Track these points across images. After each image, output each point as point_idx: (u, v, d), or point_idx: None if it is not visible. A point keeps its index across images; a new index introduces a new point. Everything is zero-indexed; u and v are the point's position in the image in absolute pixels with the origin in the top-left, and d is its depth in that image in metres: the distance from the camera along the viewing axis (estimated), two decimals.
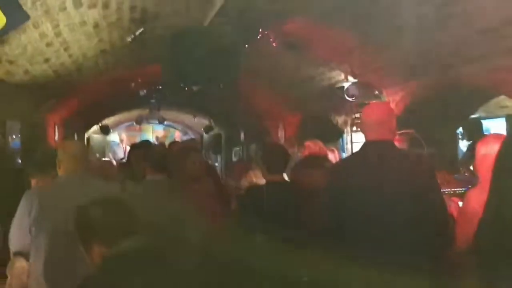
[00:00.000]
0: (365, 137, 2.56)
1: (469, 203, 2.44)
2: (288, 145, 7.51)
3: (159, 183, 3.39)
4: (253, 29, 4.61)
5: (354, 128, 6.28)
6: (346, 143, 6.59)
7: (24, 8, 3.32)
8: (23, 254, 2.72)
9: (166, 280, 1.50)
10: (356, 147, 6.24)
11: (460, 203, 3.35)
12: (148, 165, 3.52)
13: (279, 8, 4.61)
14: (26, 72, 4.63)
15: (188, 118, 14.03)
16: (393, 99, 5.45)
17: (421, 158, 2.78)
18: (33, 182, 3.54)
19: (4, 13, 3.21)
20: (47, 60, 4.74)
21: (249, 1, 4.46)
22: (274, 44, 5.19)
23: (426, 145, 4.86)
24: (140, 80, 7.50)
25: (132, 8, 4.37)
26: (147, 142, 6.36)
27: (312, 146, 4.86)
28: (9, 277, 2.47)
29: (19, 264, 2.54)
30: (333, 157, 6.42)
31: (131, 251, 1.47)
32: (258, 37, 4.81)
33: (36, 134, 6.13)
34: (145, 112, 12.85)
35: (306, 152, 4.97)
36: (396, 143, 2.72)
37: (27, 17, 3.45)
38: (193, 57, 5.37)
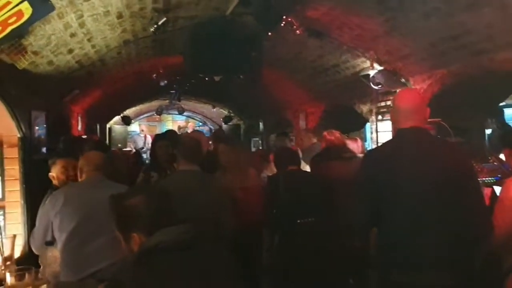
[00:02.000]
0: (399, 124, 2.46)
1: (508, 191, 2.38)
2: (309, 136, 7.44)
3: (193, 174, 3.40)
4: (276, 16, 4.51)
5: (380, 117, 6.15)
6: (371, 132, 6.47)
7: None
8: (54, 244, 2.78)
9: (201, 269, 1.47)
10: (382, 136, 6.14)
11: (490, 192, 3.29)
12: (181, 156, 3.51)
13: None
14: (50, 62, 4.64)
15: (207, 109, 14.04)
16: (421, 87, 5.31)
17: (458, 146, 2.71)
18: (54, 176, 3.60)
19: (30, 3, 3.21)
20: (70, 51, 4.75)
21: None
22: (297, 31, 5.10)
23: (454, 133, 4.75)
24: (161, 71, 7.49)
25: None
26: (172, 132, 6.36)
27: (329, 136, 4.79)
28: (41, 266, 2.50)
29: (51, 253, 2.59)
30: (355, 146, 6.32)
31: (169, 241, 1.44)
32: (282, 25, 4.71)
33: (60, 124, 6.19)
34: (165, 102, 12.90)
35: (324, 144, 4.89)
36: None
37: (52, 8, 3.44)
38: (214, 47, 5.32)
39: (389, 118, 5.96)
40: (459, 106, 5.25)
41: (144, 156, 12.06)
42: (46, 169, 3.77)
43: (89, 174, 3.08)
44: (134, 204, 1.58)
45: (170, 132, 6.63)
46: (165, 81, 8.51)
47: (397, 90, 5.71)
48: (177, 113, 14.85)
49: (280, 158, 4.22)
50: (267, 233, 3.95)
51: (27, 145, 4.47)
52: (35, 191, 4.24)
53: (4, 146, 4.33)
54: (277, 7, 4.42)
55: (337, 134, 4.95)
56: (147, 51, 6.32)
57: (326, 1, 4.65)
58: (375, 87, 5.69)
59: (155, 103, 12.95)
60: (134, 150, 11.78)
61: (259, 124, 11.59)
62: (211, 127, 16.97)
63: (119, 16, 4.48)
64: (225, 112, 13.10)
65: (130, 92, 9.37)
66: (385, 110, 6.05)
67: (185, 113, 15.32)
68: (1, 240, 3.08)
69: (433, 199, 2.21)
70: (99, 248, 2.72)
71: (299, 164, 4.31)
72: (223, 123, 13.51)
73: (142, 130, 13.85)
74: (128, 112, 12.55)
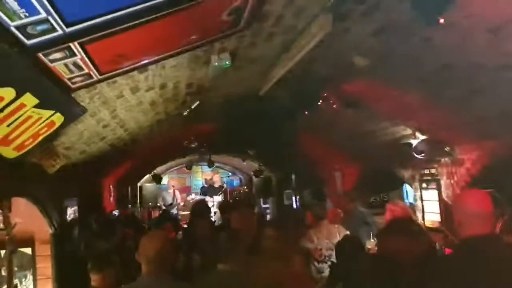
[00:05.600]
0: (466, 230, 2.32)
1: None
2: (346, 199, 7.09)
3: (230, 275, 3.15)
4: (313, 98, 4.32)
5: (424, 185, 5.79)
6: (416, 200, 6.10)
7: (82, 103, 3.20)
8: None
9: None
10: (427, 205, 5.77)
11: None
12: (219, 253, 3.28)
13: (340, 73, 4.32)
14: (83, 152, 4.55)
15: (237, 161, 13.88)
16: (468, 158, 4.97)
17: None
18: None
19: (62, 112, 3.09)
20: (103, 138, 4.65)
21: (308, 69, 4.19)
22: (334, 106, 4.89)
23: (509, 205, 4.39)
24: (192, 138, 7.38)
25: (189, 85, 4.22)
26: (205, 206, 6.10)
27: (394, 208, 4.48)
28: None
29: None
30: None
31: None
32: (319, 103, 4.51)
33: (92, 202, 6.08)
34: (195, 157, 12.81)
35: (388, 216, 4.56)
36: None
37: (84, 110, 3.33)
38: (248, 123, 5.17)
39: (434, 187, 5.63)
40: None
41: (174, 211, 11.94)
42: (81, 263, 3.57)
43: (145, 267, 2.65)
44: None
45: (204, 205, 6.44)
46: (195, 143, 8.40)
47: (442, 159, 5.42)
48: (206, 164, 14.73)
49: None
50: None
51: (60, 240, 4.32)
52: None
53: (36, 243, 4.19)
54: (313, 88, 4.24)
55: (402, 204, 4.68)
56: (179, 123, 6.22)
57: (363, 76, 4.44)
58: (418, 156, 5.37)
59: (185, 159, 12.88)
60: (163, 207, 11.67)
61: (291, 178, 11.30)
62: (241, 176, 16.77)
63: (152, 103, 4.38)
64: (255, 165, 12.88)
65: (160, 155, 9.30)
66: (429, 178, 5.71)
67: (214, 165, 15.18)
68: None
69: None
70: None
71: None
72: (254, 177, 13.29)
73: (173, 186, 13.74)
74: (158, 168, 12.49)
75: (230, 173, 17.36)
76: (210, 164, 13.80)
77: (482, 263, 2.21)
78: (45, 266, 4.17)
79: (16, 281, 3.41)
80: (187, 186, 16.59)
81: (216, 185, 15.64)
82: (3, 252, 3.50)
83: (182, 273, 3.84)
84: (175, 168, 15.95)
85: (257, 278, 3.34)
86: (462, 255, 2.38)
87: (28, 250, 4.14)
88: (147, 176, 12.29)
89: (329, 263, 5.75)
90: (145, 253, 2.64)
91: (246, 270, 3.23)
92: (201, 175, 16.93)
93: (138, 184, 12.18)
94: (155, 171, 12.04)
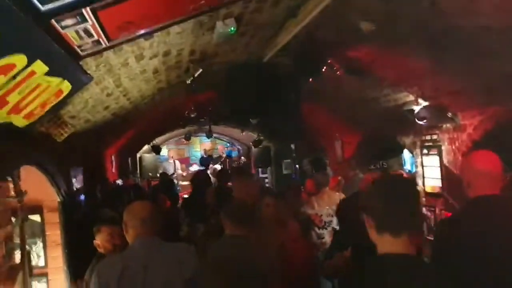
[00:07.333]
0: (475, 190, 2.36)
1: None
2: (347, 167, 7.15)
3: (240, 240, 3.24)
4: (316, 64, 4.31)
5: (425, 151, 5.85)
6: (416, 166, 6.17)
7: (89, 71, 3.19)
8: None
9: None
10: (428, 171, 5.84)
11: None
12: (227, 220, 3.36)
13: (345, 38, 4.30)
14: (87, 121, 4.55)
15: (236, 132, 13.89)
16: (471, 123, 5.00)
17: None
18: (99, 245, 3.43)
19: (69, 80, 3.08)
20: (106, 107, 4.65)
21: (313, 34, 4.16)
22: (338, 72, 4.87)
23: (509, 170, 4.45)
24: (193, 108, 7.36)
25: (192, 52, 4.19)
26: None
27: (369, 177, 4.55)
28: None
29: None
30: None
31: None
32: (323, 70, 4.50)
33: (96, 172, 6.12)
34: (194, 128, 12.81)
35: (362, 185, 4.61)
36: None
37: (90, 78, 3.31)
38: (251, 90, 5.15)
39: (436, 153, 5.68)
40: None
41: (175, 181, 12.01)
42: (88, 231, 3.61)
43: (136, 231, 2.78)
44: None
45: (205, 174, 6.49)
46: (196, 113, 8.39)
47: (444, 125, 5.45)
48: (204, 135, 14.76)
49: None
50: None
51: (67, 207, 4.37)
52: (77, 256, 4.13)
53: (45, 211, 4.24)
54: (317, 54, 4.22)
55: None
56: (180, 92, 6.19)
57: (368, 42, 4.42)
58: (420, 122, 5.39)
59: (184, 130, 12.88)
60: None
61: (290, 147, 11.35)
62: (239, 147, 16.82)
63: (155, 71, 4.36)
64: (254, 135, 12.90)
65: (160, 125, 9.30)
66: (430, 144, 5.76)
67: (213, 136, 15.20)
68: None
69: None
70: None
71: None
72: (252, 147, 13.34)
73: (172, 157, 13.79)
74: (157, 140, 12.50)
75: (228, 144, 17.40)
76: (209, 134, 13.83)
77: (492, 222, 2.24)
78: (54, 233, 4.23)
79: (27, 247, 3.45)
80: (186, 157, 16.67)
81: (216, 156, 15.71)
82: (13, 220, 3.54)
83: (186, 242, 3.91)
84: (174, 139, 15.97)
85: (259, 243, 3.44)
86: (472, 214, 2.40)
87: (37, 218, 4.20)
88: (146, 146, 12.30)
89: (329, 229, 5.88)
90: (138, 217, 2.77)
91: (250, 236, 3.32)
92: (199, 146, 16.98)
93: (138, 155, 12.21)
94: (154, 141, 12.04)
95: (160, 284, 2.64)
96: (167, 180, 8.93)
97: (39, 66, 2.52)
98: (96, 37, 2.54)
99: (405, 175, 6.07)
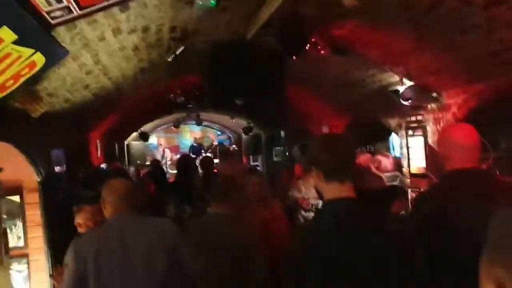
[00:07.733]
0: (452, 163, 2.31)
1: None
2: None
3: (222, 217, 3.22)
4: (300, 41, 4.25)
5: (411, 132, 5.84)
6: (401, 147, 6.16)
7: (63, 44, 3.11)
8: None
9: None
10: (413, 152, 5.84)
11: None
12: (211, 198, 3.34)
13: (328, 14, 4.24)
14: (67, 100, 4.47)
15: (225, 119, 13.84)
16: (455, 102, 4.99)
17: None
18: (80, 224, 3.38)
19: (43, 53, 3.00)
20: (86, 87, 4.57)
21: (295, 10, 4.10)
22: (322, 51, 4.82)
23: (492, 149, 4.45)
24: (178, 91, 7.29)
25: (172, 29, 4.11)
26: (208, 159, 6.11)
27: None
28: None
29: None
30: (388, 163, 6.03)
31: None
32: (306, 47, 4.45)
33: (80, 155, 6.04)
34: (182, 115, 12.72)
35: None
36: None
37: (66, 52, 3.24)
38: (235, 70, 5.09)
39: (420, 134, 5.68)
40: (498, 121, 4.91)
41: (164, 168, 11.92)
42: (69, 212, 3.56)
43: (114, 207, 2.77)
44: None
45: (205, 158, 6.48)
46: (182, 98, 8.31)
47: (429, 106, 5.44)
48: (194, 123, 14.69)
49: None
50: None
51: (47, 188, 4.30)
52: (58, 236, 4.08)
53: (24, 191, 4.17)
54: (301, 30, 4.16)
55: (363, 157, 4.74)
56: (164, 74, 6.12)
57: (352, 19, 4.37)
58: (405, 102, 5.37)
59: (172, 116, 12.78)
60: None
61: (280, 134, 11.33)
62: (230, 135, 16.77)
63: (135, 48, 4.28)
64: (244, 123, 12.86)
65: (147, 110, 9.20)
66: (415, 125, 5.75)
67: (203, 124, 15.14)
68: None
69: None
70: None
71: None
72: (243, 134, 13.30)
73: (161, 144, 13.70)
74: (145, 127, 12.40)
75: (220, 132, 17.35)
76: (198, 122, 13.77)
77: (467, 194, 2.20)
78: (34, 214, 4.17)
79: (4, 226, 3.40)
80: (176, 145, 16.59)
81: (207, 144, 15.67)
82: None
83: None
84: (163, 126, 15.88)
85: (242, 220, 3.42)
86: (447, 186, 2.37)
87: (16, 198, 4.14)
88: (134, 134, 12.21)
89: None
90: (116, 193, 2.76)
91: (232, 213, 3.30)
92: (189, 134, 16.91)
93: (126, 142, 12.10)
94: (142, 129, 11.96)
95: (141, 255, 2.61)
96: (158, 167, 8.86)
97: (6, 33, 2.46)
98: (65, 3, 2.47)
99: (391, 157, 6.07)
